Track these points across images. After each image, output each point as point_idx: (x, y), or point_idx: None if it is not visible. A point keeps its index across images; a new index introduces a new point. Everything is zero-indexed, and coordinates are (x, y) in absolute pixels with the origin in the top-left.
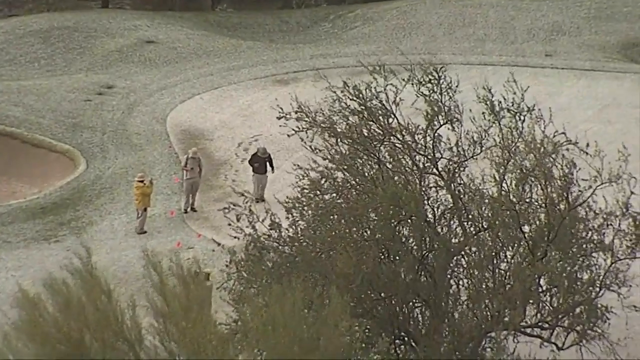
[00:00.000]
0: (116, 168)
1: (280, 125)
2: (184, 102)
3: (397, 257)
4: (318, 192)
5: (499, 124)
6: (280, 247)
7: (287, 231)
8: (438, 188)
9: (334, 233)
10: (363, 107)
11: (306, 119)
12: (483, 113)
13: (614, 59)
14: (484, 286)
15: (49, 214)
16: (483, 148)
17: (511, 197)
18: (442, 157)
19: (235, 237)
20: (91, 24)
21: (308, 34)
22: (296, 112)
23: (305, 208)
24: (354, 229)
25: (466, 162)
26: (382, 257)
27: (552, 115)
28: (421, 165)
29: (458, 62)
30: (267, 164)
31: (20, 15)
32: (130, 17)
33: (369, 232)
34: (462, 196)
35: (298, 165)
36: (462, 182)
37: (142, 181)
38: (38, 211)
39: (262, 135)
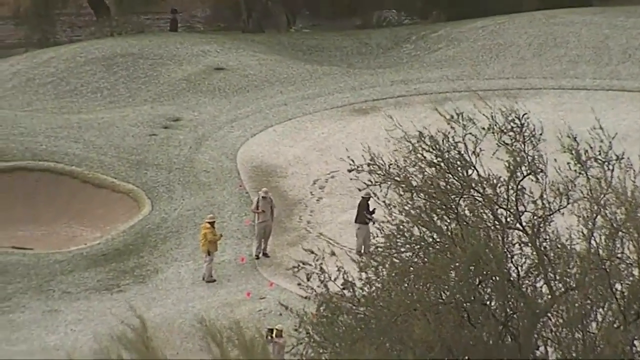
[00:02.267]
0: (183, 210)
1: (351, 179)
2: (255, 136)
3: (479, 320)
4: (393, 251)
5: (586, 175)
6: (354, 307)
7: (361, 290)
8: (522, 244)
9: (410, 295)
10: (440, 159)
11: (379, 171)
12: (568, 163)
13: None
14: (572, 348)
15: (111, 262)
16: (570, 200)
17: (600, 253)
18: (525, 211)
19: (305, 298)
20: (157, 50)
21: (389, 56)
22: (369, 165)
23: (380, 267)
24: (432, 290)
25: (552, 216)
26: (463, 320)
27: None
28: (503, 220)
29: (549, 86)
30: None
31: (82, 40)
32: (199, 42)
33: (447, 294)
34: (547, 253)
35: (373, 220)
36: (547, 237)
37: (212, 223)
38: (100, 258)
39: (339, 171)
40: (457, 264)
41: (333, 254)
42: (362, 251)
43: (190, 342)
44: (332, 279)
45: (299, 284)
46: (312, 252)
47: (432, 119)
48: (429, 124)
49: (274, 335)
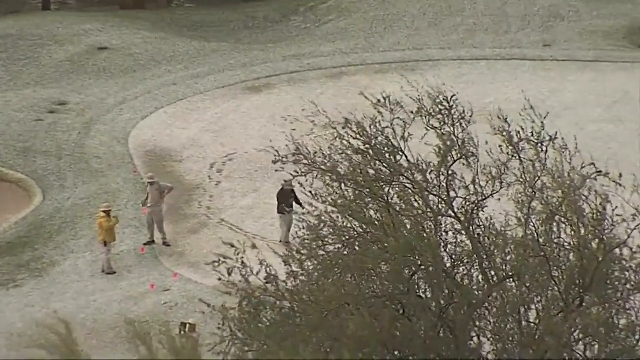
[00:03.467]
0: (76, 199)
1: (276, 170)
2: (146, 118)
3: (414, 314)
4: (321, 242)
5: (519, 157)
6: (278, 302)
7: (285, 284)
8: (455, 232)
9: (342, 288)
10: (368, 146)
11: (305, 161)
12: (500, 146)
13: (620, 46)
14: (510, 339)
15: (4, 255)
16: (503, 184)
17: (538, 239)
18: (457, 197)
19: (226, 293)
20: (36, 31)
21: (277, 30)
22: (293, 155)
23: (307, 260)
24: (364, 283)
25: (485, 202)
26: (397, 314)
27: (558, 115)
28: (435, 208)
29: (448, 57)
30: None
31: None
32: (79, 21)
33: (380, 287)
34: (482, 240)
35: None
36: (481, 224)
37: (108, 212)
38: None
39: (237, 153)
40: (390, 255)
41: (254, 247)
42: (287, 240)
43: (94, 338)
44: (255, 272)
45: (219, 279)
46: (233, 246)
47: (328, 94)
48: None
49: (187, 330)
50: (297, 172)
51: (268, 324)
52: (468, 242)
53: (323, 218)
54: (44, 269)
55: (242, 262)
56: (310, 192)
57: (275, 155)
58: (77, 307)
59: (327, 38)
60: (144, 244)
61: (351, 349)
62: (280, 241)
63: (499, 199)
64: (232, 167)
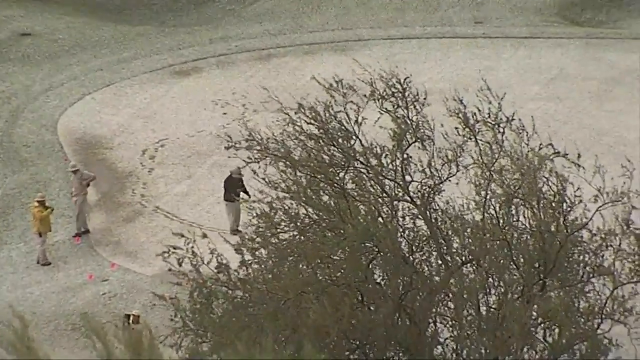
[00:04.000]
0: (7, 189)
1: (229, 157)
2: (74, 105)
3: (372, 302)
4: (275, 230)
5: (476, 139)
6: (230, 291)
7: (237, 273)
8: (413, 217)
9: (298, 277)
10: (322, 131)
11: (258, 147)
12: (456, 128)
13: (553, 22)
14: (471, 326)
15: None
16: (459, 167)
17: (497, 222)
18: (412, 181)
19: (177, 284)
20: None
21: (202, 12)
22: (247, 141)
23: (260, 248)
24: (319, 271)
25: (442, 185)
26: (357, 302)
27: (495, 94)
28: (391, 192)
29: (378, 36)
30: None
31: None
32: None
33: (337, 275)
34: (439, 225)
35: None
36: (438, 208)
37: (42, 202)
38: None
39: (169, 139)
40: (347, 242)
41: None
42: (236, 228)
43: (33, 331)
44: (205, 262)
45: (169, 270)
46: (183, 236)
47: (258, 77)
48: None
49: (130, 321)
50: (250, 159)
51: (221, 314)
52: (425, 227)
53: (275, 205)
54: None
55: (193, 252)
56: (264, 179)
57: (227, 142)
58: (14, 299)
59: (254, 19)
60: (76, 235)
61: (311, 338)
62: (232, 230)
63: (457, 183)
64: (165, 153)
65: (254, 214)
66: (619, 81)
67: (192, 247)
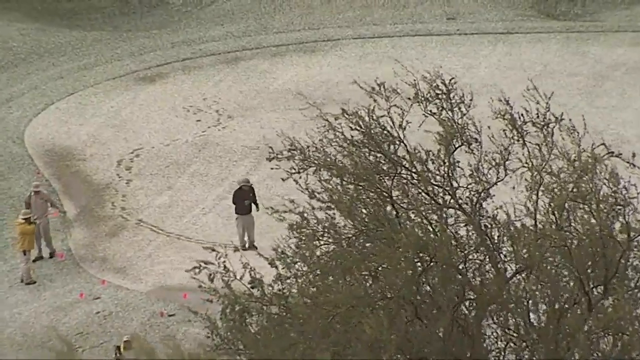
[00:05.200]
0: None
1: (272, 168)
2: (38, 115)
3: (427, 315)
4: (318, 242)
5: (523, 141)
6: (264, 307)
7: (271, 288)
8: (463, 225)
9: (349, 291)
10: (367, 137)
11: (302, 157)
12: (504, 130)
13: (529, 16)
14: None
15: None
16: (508, 172)
17: (557, 227)
18: (459, 187)
19: (208, 301)
20: None
21: (157, 15)
22: (289, 150)
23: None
24: (369, 284)
25: (491, 190)
26: (412, 315)
27: (478, 93)
28: (439, 199)
29: (346, 36)
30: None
31: None
32: None
33: (388, 288)
34: (489, 232)
35: (272, 208)
36: (488, 214)
37: (27, 219)
38: None
39: (144, 148)
40: (401, 253)
41: (237, 249)
42: (247, 245)
43: (24, 353)
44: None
45: (200, 286)
46: (214, 250)
47: (227, 81)
48: (228, 87)
49: (122, 348)
50: (294, 169)
51: (256, 331)
52: (475, 234)
53: (306, 215)
54: None
55: (225, 267)
56: (307, 189)
57: (269, 152)
58: (1, 321)
59: (215, 21)
60: (33, 260)
61: (366, 354)
62: (243, 246)
63: (513, 187)
64: (141, 163)
65: (288, 226)
66: (607, 76)
67: (224, 262)
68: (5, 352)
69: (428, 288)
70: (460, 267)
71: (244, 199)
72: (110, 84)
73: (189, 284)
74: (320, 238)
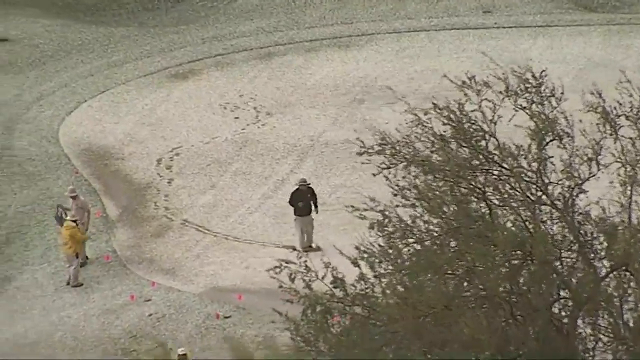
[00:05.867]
0: (18, 205)
1: (362, 163)
2: (71, 114)
3: (522, 315)
4: (407, 241)
5: (616, 135)
6: (347, 307)
7: (354, 287)
8: (555, 221)
9: (442, 290)
10: (459, 132)
11: (392, 151)
12: (597, 124)
13: (567, 9)
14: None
15: None
16: (600, 166)
17: None
18: (550, 182)
19: (288, 301)
20: None
21: (182, 10)
22: (380, 145)
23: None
24: (462, 284)
25: (583, 186)
26: (509, 315)
27: None
28: (532, 196)
29: (380, 30)
30: (311, 200)
31: None
32: None
33: (482, 287)
34: (582, 229)
35: (352, 206)
36: (581, 210)
37: (75, 221)
38: None
39: (183, 146)
40: (498, 251)
41: (318, 248)
42: (307, 245)
43: (77, 357)
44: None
45: (280, 287)
46: (294, 249)
47: (262, 77)
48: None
49: None
50: (385, 164)
51: (340, 331)
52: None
53: (388, 213)
54: None
55: (306, 266)
56: (397, 186)
57: (360, 147)
58: (50, 324)
59: (244, 16)
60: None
61: (463, 355)
62: (303, 247)
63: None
64: (181, 162)
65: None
66: None
67: (306, 261)
68: (57, 355)
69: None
70: (556, 265)
71: (302, 200)
72: (142, 81)
73: (241, 285)
74: (409, 236)
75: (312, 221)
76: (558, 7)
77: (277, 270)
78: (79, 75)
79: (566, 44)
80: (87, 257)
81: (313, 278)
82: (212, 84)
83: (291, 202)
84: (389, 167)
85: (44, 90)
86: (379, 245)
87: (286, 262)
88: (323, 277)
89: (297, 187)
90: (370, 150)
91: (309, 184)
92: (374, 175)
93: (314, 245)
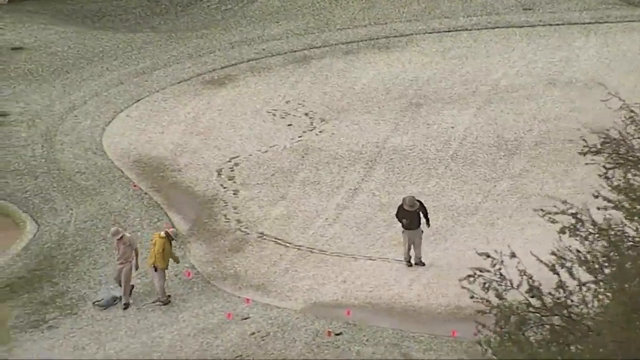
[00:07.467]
0: (78, 222)
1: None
2: (110, 124)
3: None
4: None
5: None
6: (544, 318)
7: (551, 296)
8: None
9: None
10: None
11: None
12: None
13: (613, 4)
14: None
15: (22, 292)
16: None
17: None
18: None
19: (480, 312)
20: None
21: (194, 14)
22: (603, 144)
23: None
24: None
25: None
26: None
27: (589, 87)
28: None
29: (418, 30)
30: (420, 215)
31: None
32: None
33: None
34: None
35: (542, 209)
36: None
37: (169, 235)
38: (4, 290)
39: (240, 156)
40: None
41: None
42: (412, 261)
43: None
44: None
45: (471, 297)
46: (489, 256)
47: (305, 82)
48: (308, 88)
49: None
50: (608, 165)
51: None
52: None
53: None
54: (74, 305)
55: (501, 275)
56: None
57: (584, 146)
58: (143, 345)
59: (268, 19)
60: (123, 308)
61: None
62: (408, 262)
63: None
64: (243, 172)
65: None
66: None
67: (500, 269)
68: None
69: None
70: None
71: (407, 217)
72: (177, 89)
73: (343, 300)
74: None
75: (421, 234)
76: (603, 2)
77: (471, 279)
78: (107, 83)
79: (622, 41)
80: (132, 286)
81: (508, 287)
82: (252, 90)
83: (398, 217)
84: (613, 168)
85: (75, 100)
86: (577, 251)
87: (480, 271)
88: (518, 286)
89: (401, 204)
90: (592, 149)
91: (417, 204)
92: (599, 176)
93: (422, 259)
